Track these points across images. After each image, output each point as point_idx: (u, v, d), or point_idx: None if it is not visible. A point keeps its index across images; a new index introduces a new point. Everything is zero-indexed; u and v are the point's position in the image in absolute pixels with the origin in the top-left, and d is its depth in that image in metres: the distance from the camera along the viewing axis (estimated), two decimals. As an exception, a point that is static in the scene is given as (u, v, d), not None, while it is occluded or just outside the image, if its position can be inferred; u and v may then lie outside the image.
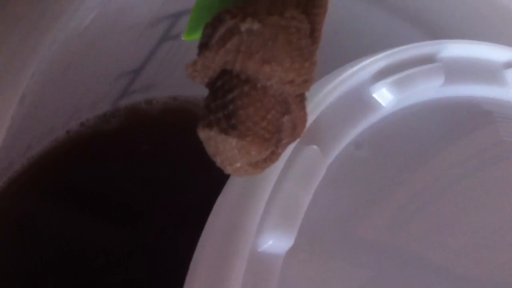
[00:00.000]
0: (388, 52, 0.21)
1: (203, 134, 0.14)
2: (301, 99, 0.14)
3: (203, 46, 0.14)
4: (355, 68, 0.20)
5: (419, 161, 0.21)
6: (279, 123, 0.14)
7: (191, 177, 0.28)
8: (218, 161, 0.14)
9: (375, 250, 0.19)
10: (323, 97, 0.19)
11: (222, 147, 0.14)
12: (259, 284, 0.15)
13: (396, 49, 0.21)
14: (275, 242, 0.16)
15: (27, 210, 0.26)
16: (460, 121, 0.23)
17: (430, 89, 0.22)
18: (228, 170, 0.14)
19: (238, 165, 0.14)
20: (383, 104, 0.20)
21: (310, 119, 0.18)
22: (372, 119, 0.20)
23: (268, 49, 0.13)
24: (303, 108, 0.14)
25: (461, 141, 0.23)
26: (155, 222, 0.27)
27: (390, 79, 0.20)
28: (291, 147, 0.17)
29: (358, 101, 0.20)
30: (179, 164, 0.29)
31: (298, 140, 0.15)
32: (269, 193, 0.16)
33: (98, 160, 0.28)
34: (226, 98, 0.13)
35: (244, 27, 0.13)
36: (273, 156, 0.14)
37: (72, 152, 0.27)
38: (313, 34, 0.14)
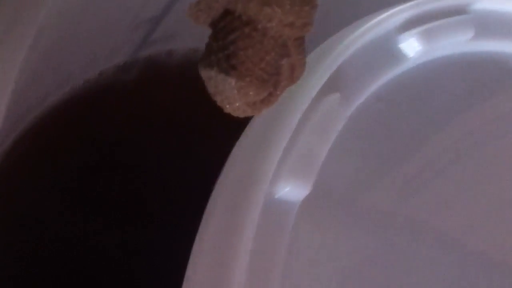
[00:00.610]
0: (417, 1, 0.20)
1: (204, 73, 0.14)
2: (301, 42, 0.15)
3: None
4: (382, 16, 0.19)
5: (439, 121, 0.21)
6: (278, 66, 0.15)
7: (208, 133, 0.27)
8: (218, 100, 0.15)
9: (385, 213, 0.19)
10: (347, 45, 0.18)
11: (222, 87, 0.14)
12: (273, 230, 0.15)
13: (424, -1, 0.20)
14: (291, 190, 0.15)
15: (43, 157, 0.26)
16: (488, 79, 0.22)
17: (459, 42, 0.21)
18: (227, 109, 0.15)
19: (237, 104, 0.14)
20: (409, 56, 0.19)
21: (333, 67, 0.18)
22: (397, 70, 0.19)
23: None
24: (302, 52, 0.15)
25: (487, 102, 0.22)
26: (169, 174, 0.27)
27: (418, 29, 0.19)
28: (311, 95, 0.17)
29: (384, 50, 0.19)
30: (197, 120, 0.29)
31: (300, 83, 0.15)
32: (287, 139, 0.15)
33: (115, 110, 0.27)
34: (227, 39, 0.14)
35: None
36: (271, 98, 0.15)
37: (89, 101, 0.27)
38: None
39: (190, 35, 0.29)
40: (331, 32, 0.20)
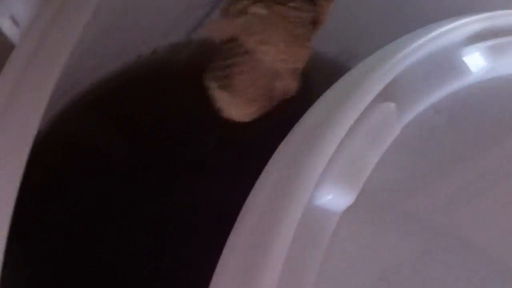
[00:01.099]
0: (487, 14, 0.19)
1: (207, 83, 0.18)
2: (294, 71, 0.17)
3: (223, 12, 0.17)
4: (448, 26, 0.18)
5: (495, 139, 0.20)
6: (271, 87, 0.17)
7: (253, 128, 0.27)
8: (217, 106, 0.17)
9: (429, 225, 0.18)
10: (408, 53, 0.18)
11: (219, 98, 0.17)
12: (311, 238, 0.14)
13: (497, 12, 0.19)
14: (334, 198, 0.15)
15: (88, 129, 0.26)
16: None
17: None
18: (224, 114, 0.17)
19: (230, 114, 0.17)
20: (473, 70, 0.18)
21: (391, 75, 0.17)
22: (458, 84, 0.18)
23: (267, 33, 0.16)
24: (294, 78, 0.17)
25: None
26: (210, 159, 0.27)
27: (486, 44, 0.18)
28: (366, 102, 0.16)
29: (446, 62, 0.18)
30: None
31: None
32: (336, 144, 0.15)
33: (163, 88, 0.27)
34: (227, 61, 0.17)
35: (252, 10, 0.16)
36: (263, 110, 0.17)
37: (141, 77, 0.27)
38: (316, 21, 0.17)
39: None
40: (391, 38, 0.19)
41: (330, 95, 0.16)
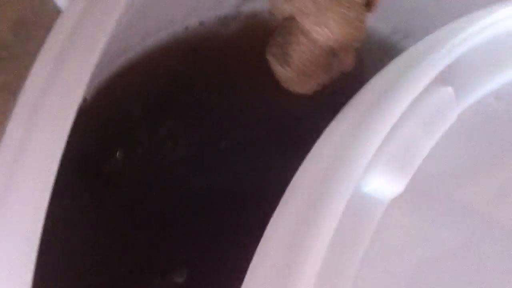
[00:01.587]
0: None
1: (268, 57, 0.19)
2: (349, 49, 0.18)
3: None
4: (515, 8, 0.17)
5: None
6: (327, 64, 0.18)
7: (299, 106, 0.26)
8: (276, 77, 0.19)
9: (476, 217, 0.17)
10: (469, 36, 0.16)
11: (278, 73, 0.19)
12: (356, 227, 0.14)
13: None
14: (383, 185, 0.14)
15: (134, 99, 0.26)
16: None
17: None
18: (283, 86, 0.19)
19: (290, 87, 0.18)
20: (540, 55, 0.17)
21: (450, 58, 0.16)
22: (524, 70, 0.17)
23: (321, 15, 0.17)
24: (351, 56, 0.18)
25: None
26: (252, 136, 0.26)
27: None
28: (421, 85, 0.15)
29: (510, 47, 0.17)
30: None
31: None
32: (388, 128, 0.14)
33: (209, 60, 0.27)
34: (286, 38, 0.18)
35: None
36: (321, 84, 0.19)
37: (187, 48, 0.26)
38: (370, 3, 0.17)
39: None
40: (449, 17, 0.18)
41: (384, 75, 0.16)
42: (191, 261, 0.24)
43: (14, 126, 0.15)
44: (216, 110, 0.27)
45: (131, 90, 0.26)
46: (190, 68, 0.27)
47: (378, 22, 0.29)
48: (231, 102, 0.26)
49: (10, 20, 0.35)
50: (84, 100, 0.25)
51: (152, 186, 0.26)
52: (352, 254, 0.13)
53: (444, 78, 0.16)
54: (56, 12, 0.31)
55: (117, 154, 0.26)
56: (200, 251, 0.25)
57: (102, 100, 0.25)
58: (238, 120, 0.27)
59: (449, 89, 0.16)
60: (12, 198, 0.14)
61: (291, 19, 0.18)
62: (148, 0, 0.20)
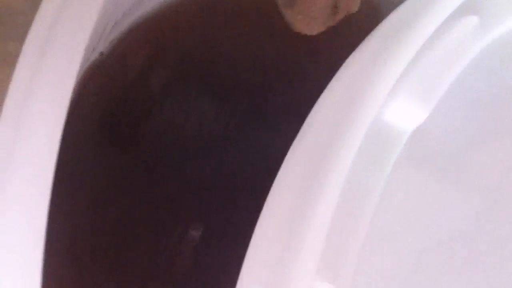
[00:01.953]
0: None
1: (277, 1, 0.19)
2: None
3: None
4: None
5: None
6: (332, 4, 0.18)
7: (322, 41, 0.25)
8: (285, 19, 0.19)
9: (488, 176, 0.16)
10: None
11: (285, 14, 0.19)
12: (376, 155, 0.13)
13: None
14: (405, 113, 0.13)
15: (153, 50, 0.25)
16: None
17: None
18: (292, 28, 0.19)
19: (297, 28, 0.19)
20: None
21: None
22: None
23: None
24: None
25: None
26: (271, 85, 0.26)
27: None
28: (445, 14, 0.14)
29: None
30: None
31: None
32: (410, 57, 0.14)
33: (224, 10, 0.26)
34: None
35: None
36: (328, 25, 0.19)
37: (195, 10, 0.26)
38: None
39: None
40: None
41: (406, 5, 0.15)
42: (208, 216, 0.24)
43: (15, 88, 0.15)
44: (231, 62, 0.26)
45: (146, 45, 0.26)
46: (211, 23, 0.26)
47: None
48: (249, 50, 0.26)
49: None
50: (101, 54, 0.25)
51: (171, 145, 0.25)
52: (372, 184, 0.13)
53: (469, 7, 0.15)
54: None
55: (135, 114, 0.25)
56: (217, 208, 0.24)
57: (117, 55, 0.25)
58: (254, 75, 0.26)
59: (474, 19, 0.15)
60: (18, 165, 0.13)
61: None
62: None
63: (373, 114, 0.13)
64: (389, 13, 0.28)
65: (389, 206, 0.14)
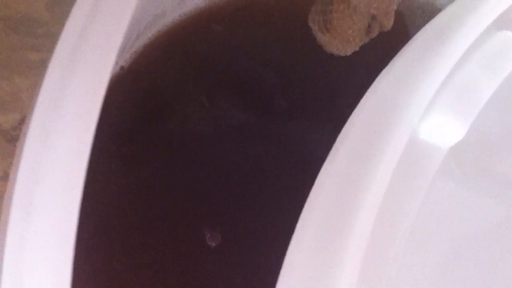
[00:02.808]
0: None
1: (310, 24, 0.20)
2: (388, 12, 0.19)
3: None
4: None
5: None
6: (367, 27, 0.19)
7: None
8: (319, 42, 0.20)
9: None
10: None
11: (319, 38, 0.20)
12: (412, 177, 0.13)
13: None
14: (443, 130, 0.13)
15: (173, 62, 0.25)
16: None
17: None
18: (325, 49, 0.20)
19: (332, 50, 0.20)
20: None
21: (509, 2, 0.15)
22: None
23: None
24: (389, 17, 0.19)
25: None
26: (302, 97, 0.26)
27: None
28: (482, 27, 0.14)
29: None
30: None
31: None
32: (448, 70, 0.13)
33: (252, 25, 0.26)
34: (327, 7, 0.19)
35: None
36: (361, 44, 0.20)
37: (226, 12, 0.26)
38: None
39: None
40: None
41: (440, 20, 0.15)
42: (226, 228, 0.24)
43: (45, 94, 0.14)
44: (259, 76, 0.26)
45: (168, 56, 0.26)
46: (232, 33, 0.26)
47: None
48: (275, 69, 0.26)
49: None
50: (121, 68, 0.25)
51: (190, 155, 0.25)
52: (408, 205, 0.13)
53: (503, 22, 0.15)
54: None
55: (157, 121, 0.25)
56: (235, 220, 0.24)
57: (139, 68, 0.25)
58: (283, 87, 0.26)
59: (509, 34, 0.15)
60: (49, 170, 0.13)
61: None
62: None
63: (410, 132, 0.13)
64: (411, 19, 0.28)
65: (426, 220, 0.13)
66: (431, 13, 0.28)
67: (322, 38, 0.20)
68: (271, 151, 0.24)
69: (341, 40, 0.19)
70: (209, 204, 0.24)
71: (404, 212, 0.13)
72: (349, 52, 0.20)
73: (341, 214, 0.12)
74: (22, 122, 0.33)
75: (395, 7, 0.19)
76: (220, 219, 0.24)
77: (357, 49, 0.20)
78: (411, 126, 0.13)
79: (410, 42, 0.14)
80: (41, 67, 0.34)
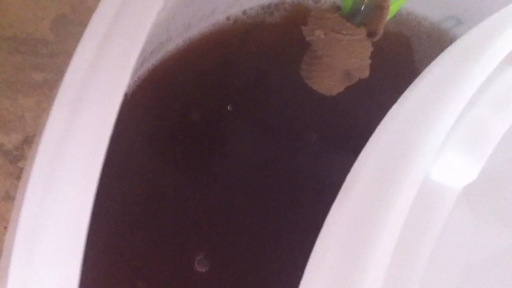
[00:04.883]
0: None
1: (300, 71, 0.22)
2: (363, 66, 0.21)
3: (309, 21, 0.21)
4: None
5: None
6: (344, 77, 0.22)
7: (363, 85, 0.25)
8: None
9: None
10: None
11: (308, 83, 0.22)
12: (427, 218, 0.12)
13: None
14: (456, 171, 0.13)
15: (177, 88, 0.25)
16: None
17: None
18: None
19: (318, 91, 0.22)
20: None
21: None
22: None
23: (330, 48, 0.20)
24: (364, 68, 0.21)
25: None
26: (306, 122, 0.25)
27: None
28: (493, 65, 0.14)
29: None
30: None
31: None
32: (460, 109, 0.13)
33: (254, 50, 0.26)
34: (311, 59, 0.22)
35: (316, 33, 0.20)
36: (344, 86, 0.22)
37: (230, 38, 0.25)
38: (373, 33, 0.20)
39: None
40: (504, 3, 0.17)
41: (450, 56, 0.14)
42: (215, 254, 0.24)
43: (56, 116, 0.14)
44: (260, 100, 0.26)
45: (173, 80, 0.25)
46: (233, 58, 0.26)
47: (429, 9, 0.27)
48: (277, 91, 0.26)
49: (50, 18, 0.35)
50: (125, 95, 0.25)
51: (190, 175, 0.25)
52: (422, 247, 0.12)
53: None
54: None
55: (159, 148, 0.25)
56: (224, 246, 0.24)
57: (143, 94, 0.24)
58: (285, 110, 0.26)
59: (521, 69, 0.14)
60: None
61: (316, 43, 0.21)
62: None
63: (423, 172, 0.12)
64: (417, 44, 0.27)
65: (438, 259, 0.13)
66: (437, 37, 0.28)
67: (309, 84, 0.22)
68: (271, 183, 0.24)
69: (323, 87, 0.22)
70: (202, 231, 0.24)
71: (418, 253, 0.12)
72: (334, 93, 0.23)
73: (355, 256, 0.12)
74: (24, 142, 0.33)
75: (368, 61, 0.22)
76: (212, 246, 0.23)
77: (341, 90, 0.23)
78: (424, 165, 0.13)
79: (420, 77, 0.14)
80: (44, 87, 0.34)
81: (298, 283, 0.12)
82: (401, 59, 0.24)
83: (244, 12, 0.26)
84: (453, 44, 0.15)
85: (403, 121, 0.13)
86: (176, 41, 0.24)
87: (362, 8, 0.20)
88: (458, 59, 0.14)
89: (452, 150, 0.13)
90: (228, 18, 0.26)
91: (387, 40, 0.26)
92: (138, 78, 0.25)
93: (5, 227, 0.30)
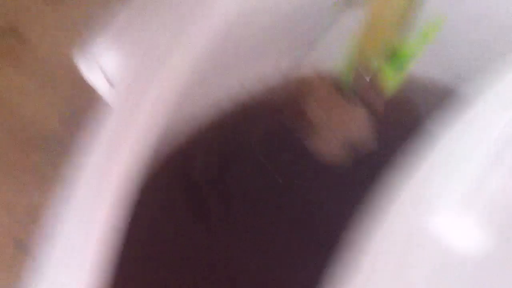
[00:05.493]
0: None
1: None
2: (361, 137, 0.23)
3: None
4: None
5: None
6: (344, 138, 0.24)
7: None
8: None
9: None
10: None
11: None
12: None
13: None
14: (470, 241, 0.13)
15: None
16: None
17: None
18: None
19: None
20: None
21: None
22: None
23: (326, 135, 0.23)
24: (362, 142, 0.23)
25: None
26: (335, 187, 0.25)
27: None
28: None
29: None
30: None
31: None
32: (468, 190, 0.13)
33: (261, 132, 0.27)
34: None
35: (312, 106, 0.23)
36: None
37: (237, 124, 0.26)
38: (376, 113, 0.22)
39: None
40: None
41: (465, 127, 0.14)
42: None
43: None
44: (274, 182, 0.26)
45: (177, 175, 0.26)
46: (245, 134, 0.26)
47: (428, 66, 0.28)
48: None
49: (61, 114, 0.36)
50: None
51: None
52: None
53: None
54: (105, 107, 0.31)
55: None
56: None
57: (167, 166, 0.25)
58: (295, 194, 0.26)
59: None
60: None
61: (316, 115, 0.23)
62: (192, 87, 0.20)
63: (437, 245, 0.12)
64: (418, 104, 0.27)
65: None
66: (436, 95, 0.28)
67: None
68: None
69: (324, 154, 0.24)
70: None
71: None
72: (337, 162, 0.24)
73: None
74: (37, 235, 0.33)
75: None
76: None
77: (343, 157, 0.24)
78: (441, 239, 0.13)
79: (427, 155, 0.14)
80: (56, 181, 0.35)
81: None
82: (403, 122, 0.25)
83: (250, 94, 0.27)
84: (466, 114, 0.15)
85: (408, 212, 0.13)
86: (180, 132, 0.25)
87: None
88: (461, 142, 0.14)
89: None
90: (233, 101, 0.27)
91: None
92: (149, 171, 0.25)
93: None
